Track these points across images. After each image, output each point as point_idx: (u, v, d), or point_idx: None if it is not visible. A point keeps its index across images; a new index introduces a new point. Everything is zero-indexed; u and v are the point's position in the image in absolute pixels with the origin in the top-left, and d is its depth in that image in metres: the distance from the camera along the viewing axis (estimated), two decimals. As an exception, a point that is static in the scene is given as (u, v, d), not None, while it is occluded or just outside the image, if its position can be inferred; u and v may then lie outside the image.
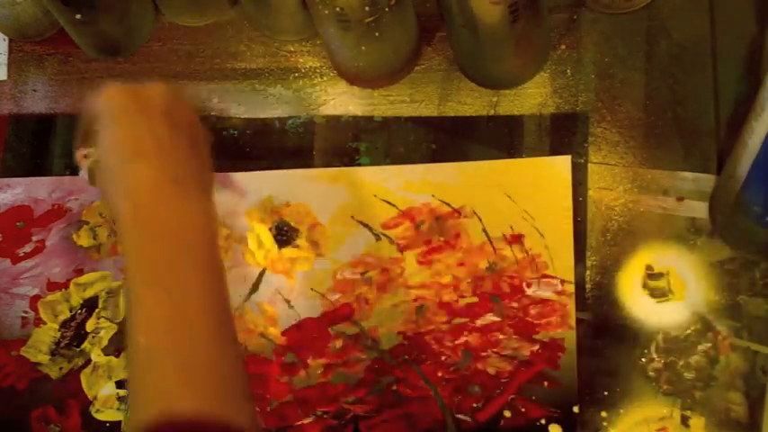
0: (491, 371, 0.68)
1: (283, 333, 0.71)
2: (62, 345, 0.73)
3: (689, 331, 0.67)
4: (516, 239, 0.71)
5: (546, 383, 0.68)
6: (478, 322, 0.70)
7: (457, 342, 0.69)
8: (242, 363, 0.56)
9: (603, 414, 0.66)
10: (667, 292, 0.68)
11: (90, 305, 0.74)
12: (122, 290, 0.61)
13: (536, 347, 0.68)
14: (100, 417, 0.71)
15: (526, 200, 0.71)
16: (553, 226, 0.70)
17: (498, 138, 0.74)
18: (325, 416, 0.69)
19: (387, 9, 0.67)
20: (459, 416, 0.68)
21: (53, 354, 0.73)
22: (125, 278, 0.56)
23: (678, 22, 0.74)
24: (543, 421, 0.67)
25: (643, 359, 0.67)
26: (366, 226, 0.73)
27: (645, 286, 0.69)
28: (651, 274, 0.69)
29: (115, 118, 0.59)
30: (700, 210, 0.69)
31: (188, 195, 0.58)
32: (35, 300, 0.75)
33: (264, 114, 0.78)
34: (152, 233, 0.56)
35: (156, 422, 0.50)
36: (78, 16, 0.76)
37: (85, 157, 0.62)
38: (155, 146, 0.58)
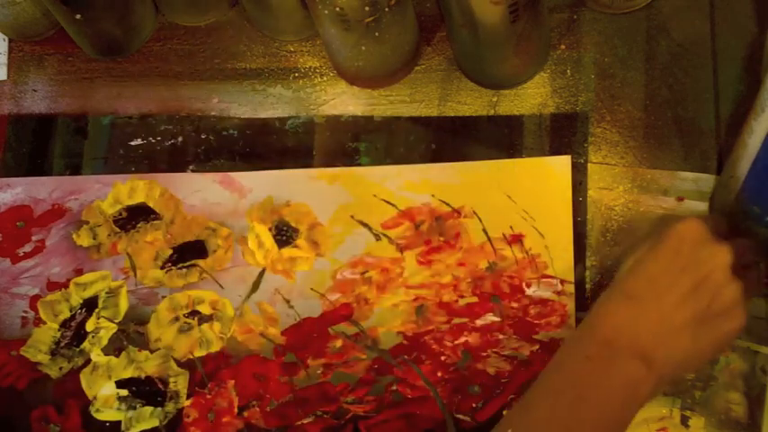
0: (491, 371, 0.68)
1: (283, 333, 0.71)
2: (62, 344, 0.73)
3: (689, 331, 0.67)
4: (516, 239, 0.71)
5: (546, 383, 0.68)
6: (478, 322, 0.70)
7: (457, 342, 0.69)
8: None
9: (603, 414, 0.66)
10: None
11: (90, 305, 0.74)
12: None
13: (536, 347, 0.68)
14: (100, 416, 0.71)
15: (526, 200, 0.71)
16: (553, 226, 0.70)
17: (498, 138, 0.74)
18: (324, 416, 0.69)
19: (387, 9, 0.67)
20: (459, 416, 0.68)
21: (53, 353, 0.73)
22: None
23: (678, 22, 0.74)
24: (543, 421, 0.67)
25: (643, 359, 0.67)
26: (366, 226, 0.73)
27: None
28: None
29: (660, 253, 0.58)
30: (700, 210, 0.69)
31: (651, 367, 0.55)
32: (35, 299, 0.75)
33: (264, 114, 0.78)
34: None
35: None
36: (78, 16, 0.76)
37: None
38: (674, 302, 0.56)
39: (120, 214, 0.76)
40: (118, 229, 0.76)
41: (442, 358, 0.69)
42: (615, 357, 0.55)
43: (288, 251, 0.73)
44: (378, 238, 0.73)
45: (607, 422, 0.55)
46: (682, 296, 0.56)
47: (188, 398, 0.70)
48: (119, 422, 0.70)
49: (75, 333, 0.73)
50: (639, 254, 0.59)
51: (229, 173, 0.76)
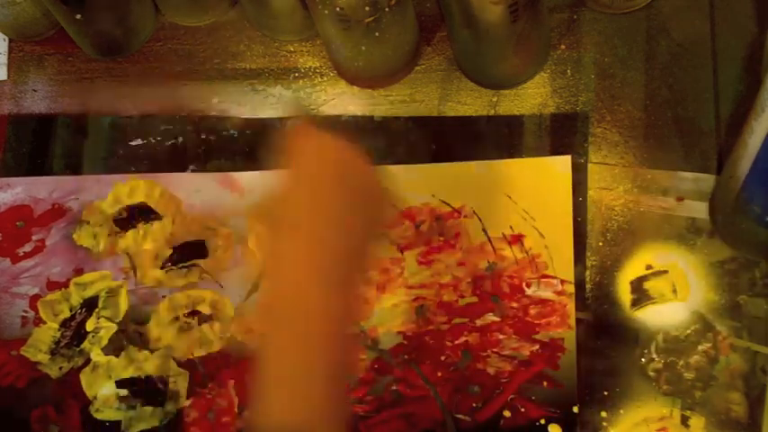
0: (491, 371, 0.68)
1: (283, 333, 0.71)
2: (62, 344, 0.73)
3: (689, 331, 0.67)
4: (516, 239, 0.71)
5: (546, 383, 0.68)
6: (478, 322, 0.70)
7: (457, 342, 0.69)
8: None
9: (603, 414, 0.66)
10: (667, 293, 0.68)
11: (90, 305, 0.74)
12: None
13: (536, 347, 0.68)
14: (99, 416, 0.71)
15: (526, 200, 0.71)
16: (553, 226, 0.70)
17: (498, 138, 0.74)
18: (324, 416, 0.69)
19: (387, 9, 0.67)
20: (459, 416, 0.68)
21: (53, 353, 0.73)
22: None
23: (678, 22, 0.74)
24: (543, 421, 0.67)
25: (643, 359, 0.67)
26: (366, 226, 0.73)
27: (645, 286, 0.69)
28: (651, 274, 0.69)
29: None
30: (700, 210, 0.69)
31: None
32: (35, 299, 0.75)
33: (264, 114, 0.78)
34: None
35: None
36: (78, 16, 0.76)
37: None
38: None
39: (120, 214, 0.76)
40: (118, 229, 0.76)
41: (442, 358, 0.69)
42: None
43: (288, 251, 0.73)
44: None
45: None
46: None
47: (188, 398, 0.70)
48: (119, 422, 0.70)
49: (75, 333, 0.73)
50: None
51: (229, 173, 0.76)
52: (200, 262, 0.74)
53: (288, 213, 0.54)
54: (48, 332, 0.74)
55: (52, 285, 0.75)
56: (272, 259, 0.54)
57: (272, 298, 0.53)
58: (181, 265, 0.74)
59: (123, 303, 0.74)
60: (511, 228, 0.71)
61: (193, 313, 0.73)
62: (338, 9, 0.66)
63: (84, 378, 0.72)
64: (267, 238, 0.55)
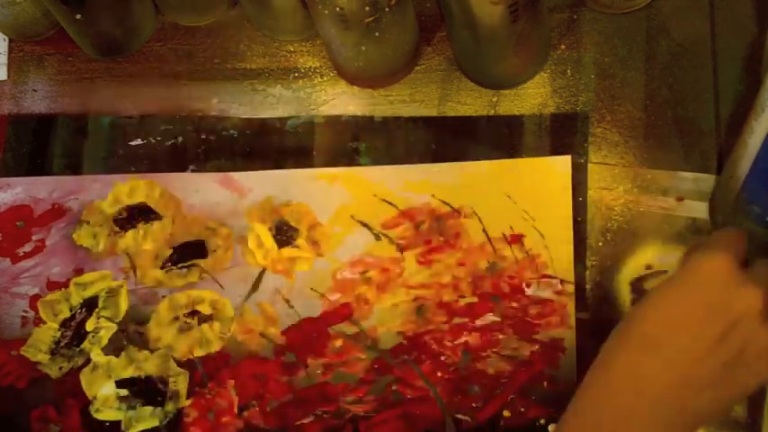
0: (491, 371, 0.68)
1: (283, 333, 0.71)
2: (62, 344, 0.73)
3: (689, 331, 0.67)
4: (516, 239, 0.71)
5: (546, 383, 0.68)
6: (478, 322, 0.70)
7: (457, 342, 0.69)
8: None
9: (603, 414, 0.66)
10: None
11: (90, 305, 0.74)
12: None
13: (536, 347, 0.68)
14: (99, 416, 0.71)
15: (526, 200, 0.71)
16: (553, 226, 0.70)
17: (498, 138, 0.74)
18: (324, 416, 0.69)
19: (387, 9, 0.67)
20: (459, 416, 0.68)
21: (53, 353, 0.73)
22: None
23: (678, 22, 0.74)
24: (543, 421, 0.67)
25: (643, 359, 0.67)
26: (366, 226, 0.73)
27: (645, 286, 0.69)
28: (651, 274, 0.69)
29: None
30: (700, 210, 0.69)
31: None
32: (35, 299, 0.75)
33: (264, 114, 0.78)
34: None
35: None
36: (78, 16, 0.76)
37: None
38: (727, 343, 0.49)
39: (120, 214, 0.76)
40: (118, 229, 0.76)
41: (442, 358, 0.69)
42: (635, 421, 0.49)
43: (288, 251, 0.73)
44: (378, 238, 0.73)
45: None
46: (708, 347, 0.49)
47: (188, 398, 0.70)
48: (119, 422, 0.70)
49: (75, 333, 0.73)
50: (658, 292, 0.52)
51: (229, 173, 0.76)
52: (200, 262, 0.74)
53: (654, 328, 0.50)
54: (48, 332, 0.74)
55: (52, 285, 0.75)
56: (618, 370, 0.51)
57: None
58: (181, 265, 0.74)
59: (123, 303, 0.74)
60: (511, 228, 0.71)
61: (193, 313, 0.73)
62: (338, 9, 0.66)
63: (84, 378, 0.72)
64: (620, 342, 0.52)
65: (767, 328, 0.49)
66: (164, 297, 0.73)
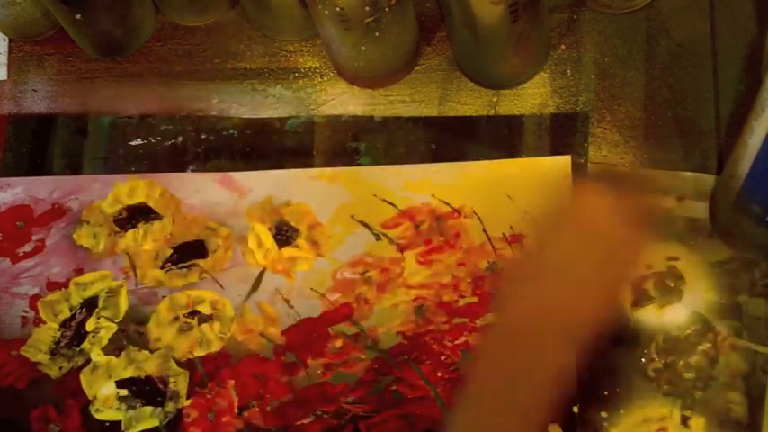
0: (491, 371, 0.68)
1: (283, 333, 0.71)
2: (62, 344, 0.73)
3: (689, 331, 0.67)
4: (516, 239, 0.71)
5: (546, 383, 0.68)
6: (478, 322, 0.70)
7: (457, 342, 0.69)
8: None
9: (603, 414, 0.66)
10: (667, 293, 0.68)
11: (90, 305, 0.74)
12: None
13: (536, 347, 0.68)
14: (99, 416, 0.71)
15: (526, 200, 0.71)
16: (553, 226, 0.70)
17: (498, 138, 0.74)
18: (324, 416, 0.69)
19: (387, 9, 0.67)
20: (459, 416, 0.68)
21: (53, 353, 0.73)
22: None
23: (678, 22, 0.74)
24: (543, 421, 0.67)
25: (643, 359, 0.67)
26: (366, 226, 0.73)
27: (645, 286, 0.69)
28: (651, 274, 0.69)
29: None
30: (700, 210, 0.69)
31: None
32: (35, 299, 0.75)
33: (264, 114, 0.78)
34: None
35: None
36: (78, 16, 0.76)
37: None
38: None
39: (120, 214, 0.76)
40: (118, 229, 0.76)
41: (442, 358, 0.69)
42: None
43: (288, 251, 0.73)
44: (378, 238, 0.73)
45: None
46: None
47: (188, 398, 0.70)
48: (119, 422, 0.70)
49: (75, 333, 0.73)
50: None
51: (229, 173, 0.76)
52: (200, 262, 0.74)
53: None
54: (48, 332, 0.74)
55: (52, 285, 0.75)
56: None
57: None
58: (181, 265, 0.74)
59: (123, 303, 0.74)
60: (511, 228, 0.71)
61: (193, 313, 0.73)
62: (338, 9, 0.66)
63: (84, 378, 0.72)
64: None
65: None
66: (164, 297, 0.73)
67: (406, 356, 0.70)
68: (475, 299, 0.70)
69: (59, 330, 0.74)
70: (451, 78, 0.76)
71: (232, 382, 0.71)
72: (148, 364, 0.71)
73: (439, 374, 0.69)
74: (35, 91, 0.82)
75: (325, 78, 0.78)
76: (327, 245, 0.73)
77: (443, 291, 0.71)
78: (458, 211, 0.72)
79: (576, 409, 0.67)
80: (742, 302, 0.67)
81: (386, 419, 0.68)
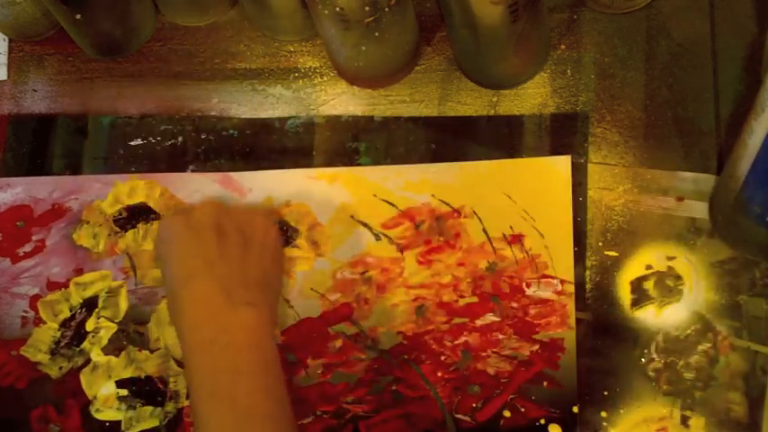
0: (491, 371, 0.68)
1: (283, 333, 0.71)
2: (62, 344, 0.73)
3: (689, 331, 0.67)
4: (516, 239, 0.71)
5: (546, 383, 0.68)
6: (478, 322, 0.70)
7: (456, 342, 0.69)
8: None
9: (603, 414, 0.66)
10: (667, 293, 0.68)
11: (90, 305, 0.74)
12: (190, 405, 0.65)
13: (536, 347, 0.68)
14: (99, 416, 0.71)
15: (526, 200, 0.71)
16: (553, 226, 0.70)
17: (498, 138, 0.74)
18: (324, 416, 0.69)
19: (387, 9, 0.67)
20: (459, 416, 0.68)
21: (53, 353, 0.73)
22: (191, 395, 0.61)
23: (678, 22, 0.74)
24: (543, 421, 0.67)
25: (643, 359, 0.67)
26: (366, 226, 0.73)
27: (645, 286, 0.69)
28: (651, 274, 0.69)
29: (170, 246, 0.65)
30: (700, 210, 0.69)
31: (236, 305, 0.61)
32: (35, 299, 0.75)
33: (264, 114, 0.78)
34: (207, 348, 0.60)
35: None
36: (78, 16, 0.76)
37: None
38: (204, 263, 0.63)
39: (120, 214, 0.76)
40: (118, 229, 0.76)
41: (442, 358, 0.69)
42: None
43: (288, 251, 0.73)
44: (378, 238, 0.73)
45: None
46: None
47: (188, 398, 0.70)
48: (119, 422, 0.70)
49: (75, 333, 0.73)
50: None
51: (229, 173, 0.76)
52: (200, 262, 0.74)
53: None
54: (48, 332, 0.74)
55: (52, 285, 0.75)
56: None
57: None
58: (181, 265, 0.74)
59: (123, 303, 0.74)
60: (511, 228, 0.71)
61: (193, 313, 0.73)
62: (338, 9, 0.66)
63: (84, 378, 0.72)
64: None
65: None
66: (164, 297, 0.73)
67: (406, 356, 0.70)
68: (475, 299, 0.70)
69: (59, 330, 0.74)
70: (451, 78, 0.76)
71: (232, 382, 0.70)
72: (148, 364, 0.71)
73: (439, 374, 0.69)
74: (35, 91, 0.82)
75: (325, 78, 0.78)
76: (327, 245, 0.73)
77: (443, 291, 0.71)
78: (458, 211, 0.72)
79: (575, 410, 0.67)
80: (742, 302, 0.67)
81: (386, 419, 0.68)
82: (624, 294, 0.69)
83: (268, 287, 0.66)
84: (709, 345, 0.67)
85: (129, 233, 0.75)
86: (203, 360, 0.60)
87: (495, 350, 0.69)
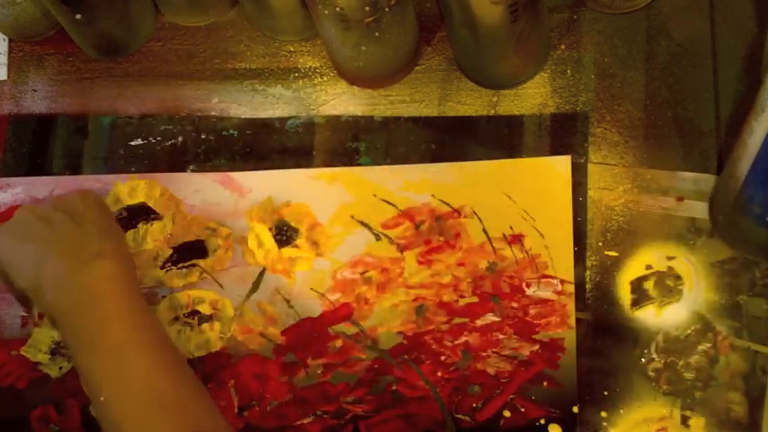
0: (491, 371, 0.68)
1: (283, 333, 0.71)
2: (62, 344, 0.73)
3: (689, 331, 0.67)
4: (516, 239, 0.71)
5: (546, 383, 0.68)
6: (478, 322, 0.70)
7: (457, 342, 0.69)
8: (199, 387, 0.62)
9: (603, 414, 0.66)
10: (667, 293, 0.68)
11: (90, 305, 0.74)
12: (76, 368, 0.67)
13: (536, 347, 0.68)
14: (100, 416, 0.71)
15: (526, 200, 0.71)
16: (553, 226, 0.70)
17: (498, 138, 0.74)
18: (324, 416, 0.69)
19: (387, 9, 0.67)
20: (459, 416, 0.68)
21: (53, 353, 0.73)
22: (73, 358, 0.64)
23: (678, 22, 0.74)
24: (543, 421, 0.67)
25: (643, 359, 0.67)
26: (366, 226, 0.73)
27: (645, 286, 0.69)
28: (651, 274, 0.69)
29: (5, 258, 0.66)
30: (700, 210, 0.69)
31: (86, 261, 0.63)
32: (35, 299, 0.75)
33: (264, 114, 0.78)
34: (75, 310, 0.62)
35: None
36: (78, 16, 0.76)
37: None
38: (43, 247, 0.64)
39: (121, 214, 0.76)
40: (118, 229, 0.76)
41: (442, 358, 0.69)
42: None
43: (288, 251, 0.73)
44: (378, 238, 0.73)
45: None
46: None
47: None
48: (119, 422, 0.70)
49: (75, 333, 0.73)
50: None
51: (229, 173, 0.76)
52: (200, 262, 0.74)
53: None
54: (47, 332, 0.73)
55: (52, 285, 0.75)
56: None
57: None
58: (181, 265, 0.74)
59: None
60: (511, 228, 0.71)
61: (193, 313, 0.73)
62: (338, 9, 0.66)
63: (84, 378, 0.72)
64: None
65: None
66: (164, 297, 0.73)
67: (406, 356, 0.70)
68: (475, 299, 0.70)
69: (59, 330, 0.74)
70: (451, 78, 0.76)
71: (232, 381, 0.71)
72: (148, 364, 0.71)
73: (439, 374, 0.69)
74: (35, 91, 0.82)
75: (325, 78, 0.78)
76: (327, 245, 0.73)
77: (443, 291, 0.71)
78: (458, 211, 0.72)
79: (575, 410, 0.67)
80: (742, 302, 0.67)
81: (386, 419, 0.68)
82: (624, 294, 0.69)
83: (109, 236, 0.67)
84: (709, 345, 0.67)
85: (129, 233, 0.75)
86: (74, 321, 0.62)
87: (495, 350, 0.69)
